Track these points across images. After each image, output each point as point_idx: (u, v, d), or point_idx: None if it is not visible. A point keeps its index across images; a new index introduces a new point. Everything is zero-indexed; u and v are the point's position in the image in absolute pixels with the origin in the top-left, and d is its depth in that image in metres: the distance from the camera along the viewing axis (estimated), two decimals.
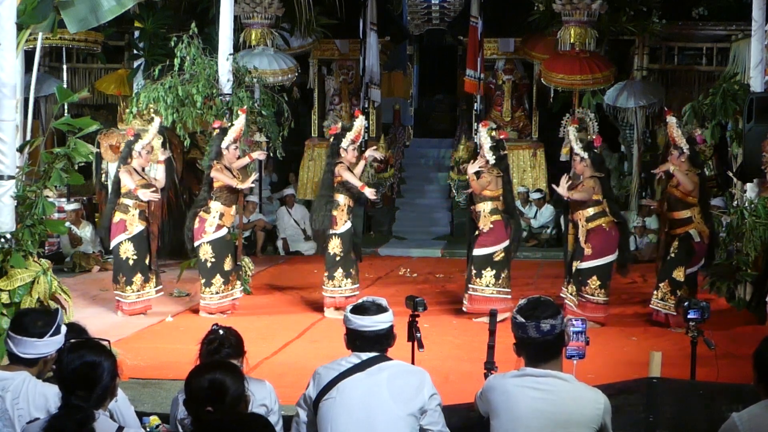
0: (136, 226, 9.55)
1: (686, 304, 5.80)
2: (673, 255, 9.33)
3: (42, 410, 3.75)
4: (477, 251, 9.50)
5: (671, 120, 9.40)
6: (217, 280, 9.68)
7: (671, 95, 15.41)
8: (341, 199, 9.70)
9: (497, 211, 9.49)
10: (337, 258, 9.77)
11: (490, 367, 4.51)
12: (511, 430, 3.59)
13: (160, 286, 9.94)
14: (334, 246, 9.75)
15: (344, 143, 9.68)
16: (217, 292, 9.70)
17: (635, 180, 15.47)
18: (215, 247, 9.68)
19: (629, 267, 9.90)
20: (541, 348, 3.59)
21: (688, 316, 5.70)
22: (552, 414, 3.55)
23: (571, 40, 14.67)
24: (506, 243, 9.50)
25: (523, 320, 3.60)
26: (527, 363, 3.64)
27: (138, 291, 9.61)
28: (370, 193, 9.84)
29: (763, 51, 10.44)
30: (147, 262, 9.67)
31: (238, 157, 10.01)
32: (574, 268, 9.36)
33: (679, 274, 9.23)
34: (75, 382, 3.34)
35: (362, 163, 10.04)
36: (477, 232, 9.55)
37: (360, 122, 9.91)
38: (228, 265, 9.76)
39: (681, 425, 5.07)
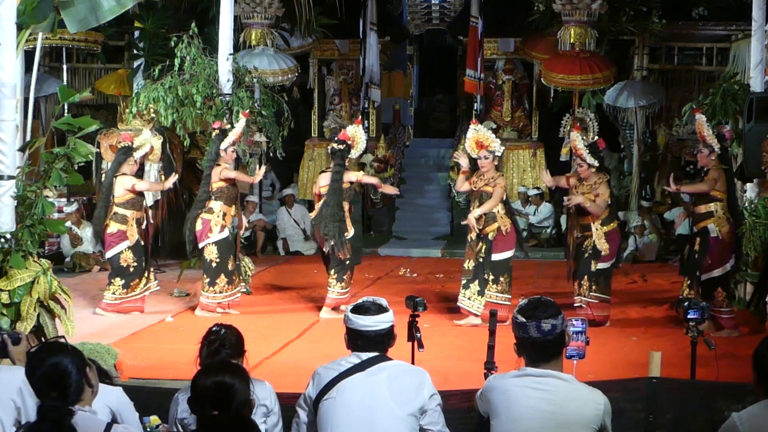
0: (136, 235, 9.74)
1: (686, 304, 5.79)
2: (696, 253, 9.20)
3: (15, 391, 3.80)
4: (496, 256, 9.36)
5: (701, 117, 9.29)
6: (222, 279, 9.80)
7: (671, 95, 15.42)
8: (345, 206, 9.73)
9: (509, 213, 9.53)
10: (347, 262, 9.80)
11: (490, 367, 4.52)
12: (511, 430, 3.59)
13: (156, 281, 10.13)
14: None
15: (354, 154, 9.91)
16: (220, 292, 9.81)
17: (635, 180, 15.46)
18: (220, 247, 9.81)
19: (622, 267, 9.94)
20: (541, 348, 3.59)
21: (688, 316, 5.71)
22: (552, 414, 3.55)
23: (571, 40, 14.67)
24: (516, 247, 9.59)
25: (524, 320, 3.60)
26: (527, 363, 3.64)
27: (133, 292, 9.81)
28: (374, 180, 10.67)
29: (763, 51, 10.43)
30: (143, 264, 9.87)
31: (236, 158, 10.14)
32: (593, 269, 9.32)
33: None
34: (45, 386, 3.33)
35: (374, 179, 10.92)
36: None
37: (360, 133, 10.01)
38: (231, 265, 9.88)
39: (681, 425, 5.08)
